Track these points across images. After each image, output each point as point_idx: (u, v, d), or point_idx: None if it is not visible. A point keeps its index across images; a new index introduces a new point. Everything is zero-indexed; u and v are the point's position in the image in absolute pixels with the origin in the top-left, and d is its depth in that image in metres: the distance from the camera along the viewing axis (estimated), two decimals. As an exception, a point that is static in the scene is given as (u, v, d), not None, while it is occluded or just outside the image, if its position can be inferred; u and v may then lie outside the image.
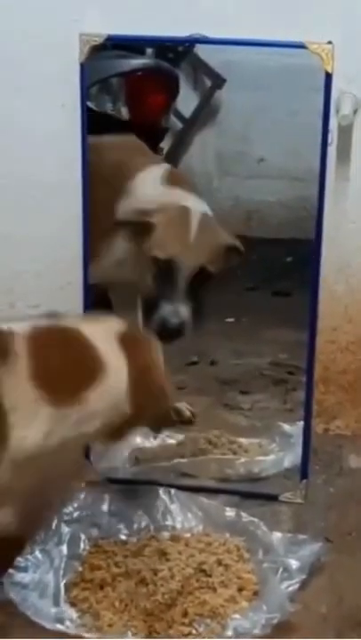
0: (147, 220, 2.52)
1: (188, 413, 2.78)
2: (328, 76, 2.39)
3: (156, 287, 2.53)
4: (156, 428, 2.27)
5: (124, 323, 2.11)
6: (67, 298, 2.62)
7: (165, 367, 2.12)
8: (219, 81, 2.94)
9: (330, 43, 2.38)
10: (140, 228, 2.53)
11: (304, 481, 2.59)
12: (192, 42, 2.55)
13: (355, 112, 2.51)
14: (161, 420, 2.17)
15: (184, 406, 2.76)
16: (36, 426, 1.93)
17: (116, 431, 2.08)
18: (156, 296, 2.52)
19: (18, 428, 1.91)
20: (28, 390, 1.93)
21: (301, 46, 2.38)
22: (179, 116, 3.02)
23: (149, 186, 2.62)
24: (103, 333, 2.05)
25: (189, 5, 2.52)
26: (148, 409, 2.08)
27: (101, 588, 2.24)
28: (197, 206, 2.58)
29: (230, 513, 2.44)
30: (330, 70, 2.38)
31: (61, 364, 1.98)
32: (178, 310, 2.49)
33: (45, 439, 1.94)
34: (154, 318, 2.50)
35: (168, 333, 2.44)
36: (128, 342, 2.06)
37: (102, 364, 2.01)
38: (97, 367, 2.00)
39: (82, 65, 2.43)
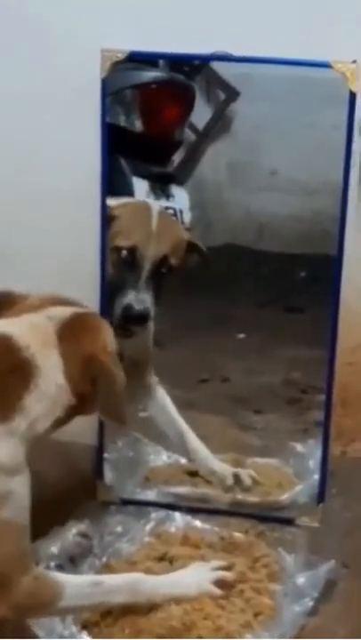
0: (110, 213, 2.58)
1: (248, 482, 2.64)
2: (352, 96, 2.37)
3: (119, 276, 2.57)
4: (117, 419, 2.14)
5: (70, 309, 2.10)
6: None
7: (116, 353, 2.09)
8: (233, 94, 2.90)
9: (354, 62, 2.36)
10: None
11: (321, 505, 2.56)
12: (216, 59, 2.51)
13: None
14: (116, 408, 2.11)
15: (246, 473, 2.65)
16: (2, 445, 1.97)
17: (67, 418, 2.08)
18: (119, 284, 2.57)
19: None
20: None
21: (326, 65, 2.36)
22: (192, 128, 2.98)
23: None
24: (38, 328, 2.04)
25: (211, 21, 2.49)
26: (96, 394, 2.06)
27: (110, 611, 2.17)
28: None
29: (245, 536, 2.42)
30: (354, 89, 2.36)
31: None
32: (142, 298, 2.54)
33: (17, 452, 1.98)
34: (117, 305, 2.55)
35: (133, 319, 2.53)
36: (69, 331, 2.05)
37: (33, 366, 2.00)
38: (28, 370, 2.00)
39: (103, 80, 2.42)
